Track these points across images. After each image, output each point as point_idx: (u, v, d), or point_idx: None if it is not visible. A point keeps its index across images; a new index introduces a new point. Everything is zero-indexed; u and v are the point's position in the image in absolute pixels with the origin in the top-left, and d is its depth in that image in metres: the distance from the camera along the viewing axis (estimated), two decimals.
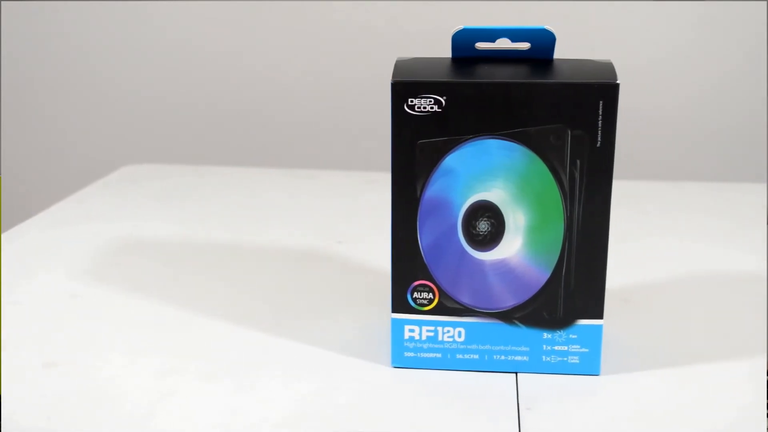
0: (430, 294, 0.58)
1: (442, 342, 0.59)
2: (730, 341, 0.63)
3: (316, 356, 0.61)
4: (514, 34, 0.55)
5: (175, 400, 0.55)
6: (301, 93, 1.35)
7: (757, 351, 0.62)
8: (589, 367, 0.58)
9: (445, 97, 0.54)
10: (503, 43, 0.57)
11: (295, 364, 0.60)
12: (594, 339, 0.58)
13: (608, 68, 0.55)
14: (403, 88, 0.54)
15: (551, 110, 0.54)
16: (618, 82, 0.54)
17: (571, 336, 0.58)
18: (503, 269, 0.57)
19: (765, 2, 1.21)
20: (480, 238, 0.57)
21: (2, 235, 0.84)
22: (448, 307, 0.58)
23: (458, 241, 0.57)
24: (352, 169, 1.16)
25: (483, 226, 0.56)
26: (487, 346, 0.58)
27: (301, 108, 1.35)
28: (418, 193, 0.56)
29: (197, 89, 1.37)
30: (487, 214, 0.56)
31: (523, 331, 0.58)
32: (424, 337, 0.59)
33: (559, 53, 0.62)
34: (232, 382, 0.57)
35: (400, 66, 0.56)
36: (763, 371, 0.59)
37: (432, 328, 0.58)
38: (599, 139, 0.54)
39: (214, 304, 0.69)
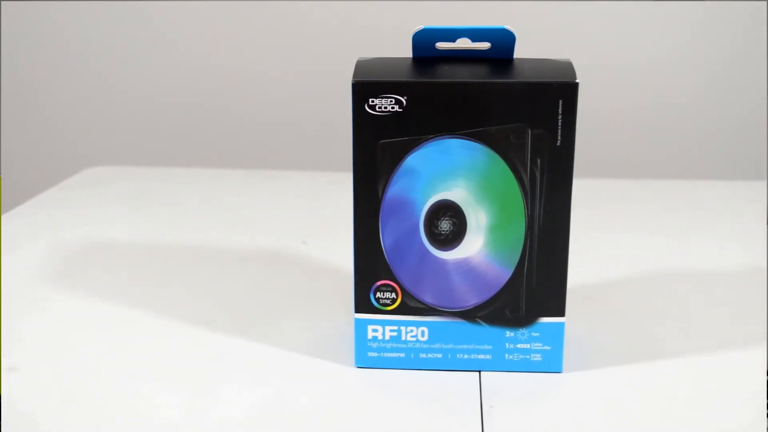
0: (393, 294, 0.58)
1: (406, 342, 0.59)
2: (692, 338, 0.64)
3: (280, 357, 0.61)
4: (475, 34, 0.55)
5: (138, 402, 0.55)
6: (262, 94, 1.34)
7: (720, 347, 0.62)
8: (552, 364, 0.58)
9: (406, 97, 0.54)
10: (464, 43, 0.57)
11: (258, 365, 0.60)
12: (556, 337, 0.58)
13: (568, 67, 0.55)
14: (363, 88, 0.54)
15: (511, 109, 0.54)
16: (577, 81, 0.54)
17: (533, 334, 0.58)
18: (465, 268, 0.57)
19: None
20: (442, 237, 0.57)
21: None
22: (411, 306, 0.58)
23: (420, 240, 0.57)
24: (314, 169, 1.15)
25: (445, 225, 0.56)
26: (451, 345, 0.58)
27: (263, 109, 1.35)
28: (380, 193, 0.56)
29: (159, 91, 1.37)
30: (448, 214, 0.56)
31: (485, 330, 0.58)
32: (387, 337, 0.59)
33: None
34: (195, 384, 0.57)
35: (360, 66, 0.56)
36: (724, 366, 0.60)
37: (395, 327, 0.58)
38: (559, 137, 0.55)
39: (178, 305, 0.69)
